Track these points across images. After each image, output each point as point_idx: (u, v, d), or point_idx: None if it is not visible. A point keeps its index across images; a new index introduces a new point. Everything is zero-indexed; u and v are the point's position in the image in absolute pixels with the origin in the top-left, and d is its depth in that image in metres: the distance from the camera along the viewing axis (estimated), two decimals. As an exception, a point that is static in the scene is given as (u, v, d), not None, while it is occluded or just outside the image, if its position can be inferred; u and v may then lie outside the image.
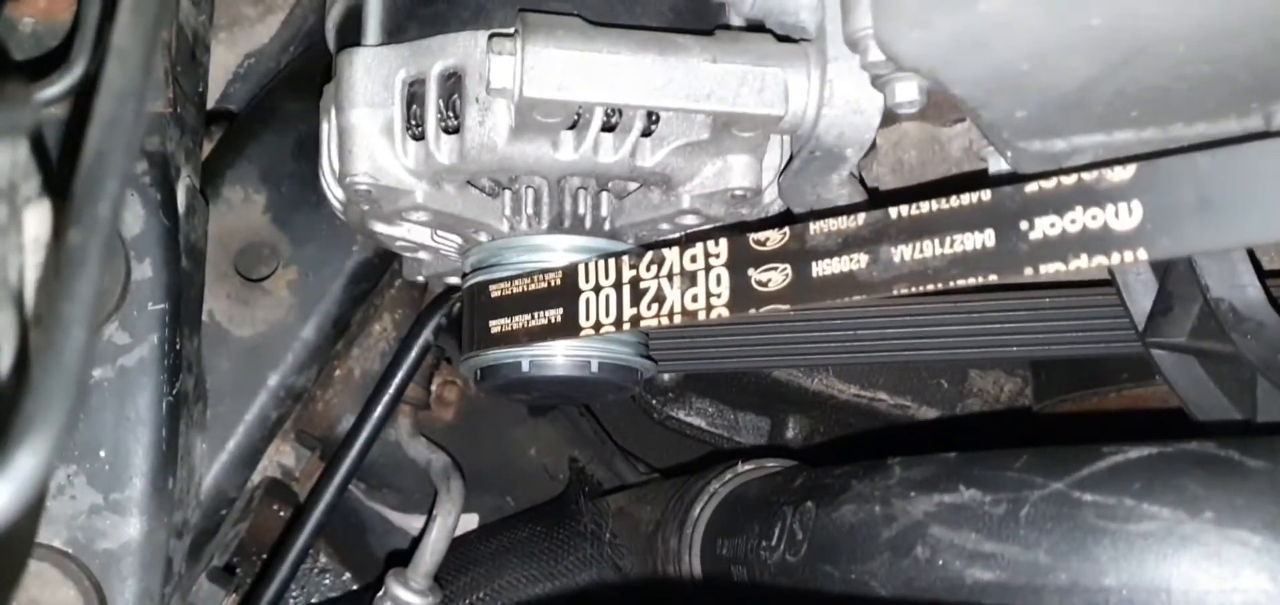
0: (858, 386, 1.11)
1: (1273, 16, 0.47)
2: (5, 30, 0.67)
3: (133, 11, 0.34)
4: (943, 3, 0.48)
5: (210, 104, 1.06)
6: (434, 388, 1.05)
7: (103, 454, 0.67)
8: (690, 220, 0.73)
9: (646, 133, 0.68)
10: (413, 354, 0.95)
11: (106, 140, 0.30)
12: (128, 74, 0.32)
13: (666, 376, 1.16)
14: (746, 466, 0.91)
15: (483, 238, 0.76)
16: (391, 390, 0.95)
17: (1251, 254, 0.64)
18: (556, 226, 0.73)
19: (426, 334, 0.95)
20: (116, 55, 0.32)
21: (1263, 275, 0.64)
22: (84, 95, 0.49)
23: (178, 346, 0.70)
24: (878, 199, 0.70)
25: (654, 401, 1.18)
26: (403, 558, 0.96)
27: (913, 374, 1.09)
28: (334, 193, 0.76)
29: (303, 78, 0.98)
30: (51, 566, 0.64)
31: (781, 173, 0.72)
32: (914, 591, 0.57)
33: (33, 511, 0.43)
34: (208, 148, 0.99)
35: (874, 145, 0.78)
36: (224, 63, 1.07)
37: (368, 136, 0.69)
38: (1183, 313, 0.67)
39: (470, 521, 1.09)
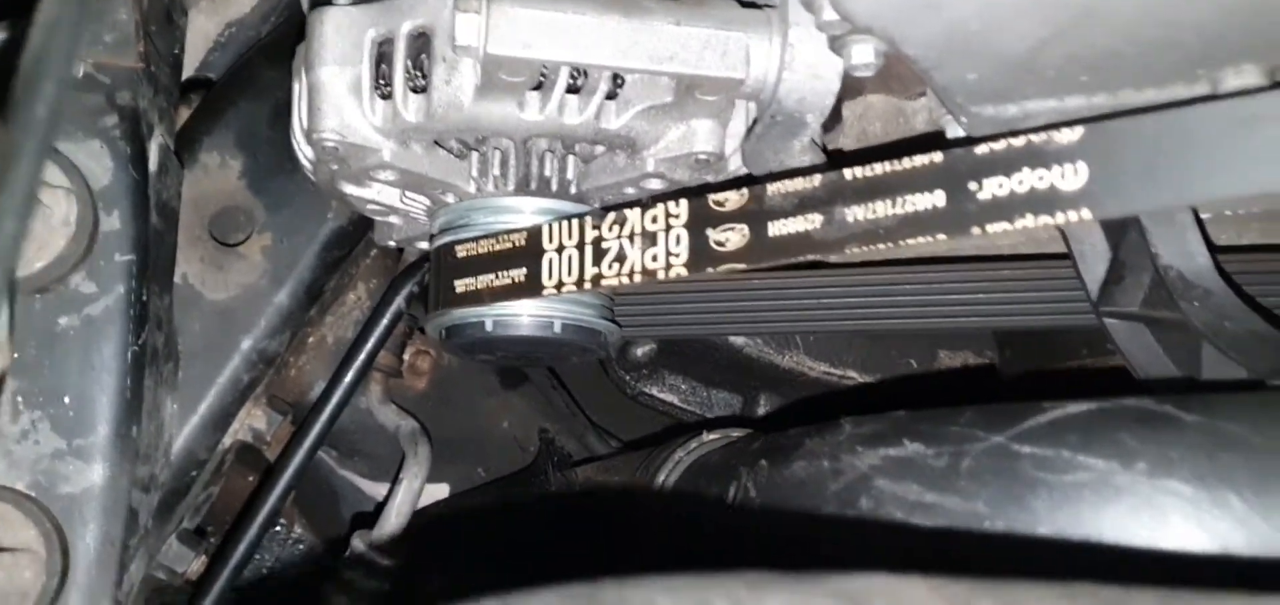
0: (828, 364, 1.12)
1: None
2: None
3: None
4: (891, -41, 0.49)
5: (191, 72, 1.07)
6: (407, 356, 1.06)
7: (67, 400, 0.67)
8: (655, 184, 0.74)
9: (611, 95, 0.69)
10: (384, 321, 0.96)
11: (45, 42, 0.31)
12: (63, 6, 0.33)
13: (640, 352, 1.17)
14: (712, 436, 0.92)
15: (450, 199, 0.77)
16: (362, 356, 0.96)
17: (1201, 223, 0.66)
18: (523, 188, 0.74)
19: (399, 301, 0.96)
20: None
21: (1211, 244, 0.65)
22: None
23: (144, 298, 0.71)
24: (836, 161, 0.71)
25: (628, 377, 1.19)
26: (371, 521, 0.96)
27: (882, 353, 1.10)
28: (303, 151, 0.77)
29: (281, 46, 0.98)
30: (13, 508, 0.65)
31: (745, 139, 0.73)
32: (857, 540, 0.58)
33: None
34: (186, 114, 1.00)
35: (840, 117, 0.79)
36: (205, 31, 1.08)
37: (336, 94, 0.70)
38: (1135, 282, 0.69)
39: (440, 490, 1.10)
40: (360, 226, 0.99)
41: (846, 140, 0.78)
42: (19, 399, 0.67)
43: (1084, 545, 0.52)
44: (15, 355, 0.58)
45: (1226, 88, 0.56)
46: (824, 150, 0.73)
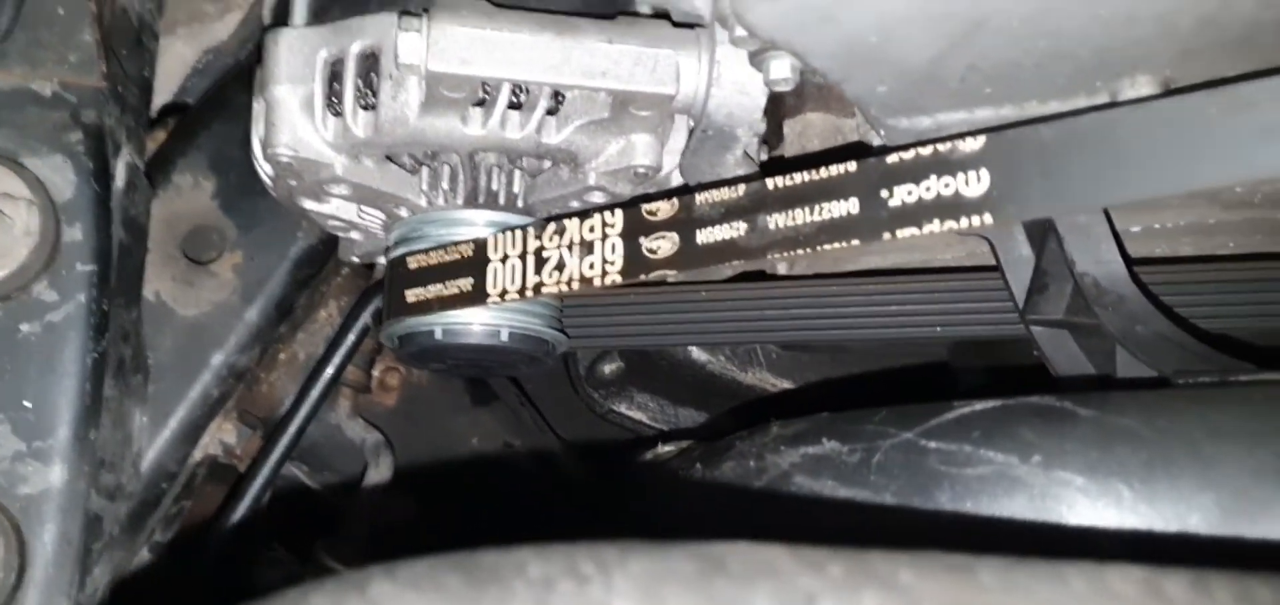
0: (790, 381, 1.14)
1: (1087, -10, 0.51)
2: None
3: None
4: (785, -27, 0.52)
5: (169, 97, 1.11)
6: (376, 372, 1.09)
7: (27, 404, 0.70)
8: (597, 197, 0.77)
9: (552, 111, 0.72)
10: (351, 336, 0.99)
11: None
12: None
13: (608, 369, 1.19)
14: (665, 448, 0.94)
15: (403, 213, 0.80)
16: (330, 370, 0.98)
17: (1116, 233, 0.68)
18: (472, 201, 0.77)
19: (365, 317, 0.99)
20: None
21: (1125, 253, 0.68)
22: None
23: (105, 307, 0.74)
24: (763, 170, 0.73)
25: (596, 395, 1.22)
26: (333, 530, 0.99)
27: (843, 369, 1.13)
28: (262, 167, 0.80)
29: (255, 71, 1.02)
30: (-27, 507, 0.67)
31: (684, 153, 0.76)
32: (771, 532, 0.61)
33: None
34: (163, 136, 1.03)
35: (781, 134, 0.82)
36: (183, 57, 1.11)
37: (290, 111, 0.73)
38: (1058, 290, 0.71)
39: (407, 503, 1.12)
40: (330, 245, 1.02)
41: (788, 156, 0.81)
42: (-20, 402, 0.69)
43: (986, 534, 0.54)
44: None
45: (1124, 98, 0.59)
46: (760, 165, 0.75)
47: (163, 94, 1.09)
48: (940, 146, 0.59)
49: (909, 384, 1.05)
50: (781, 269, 0.82)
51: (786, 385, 1.13)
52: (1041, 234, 0.71)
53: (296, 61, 0.73)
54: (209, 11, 1.11)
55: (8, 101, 0.73)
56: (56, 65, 0.73)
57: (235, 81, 1.06)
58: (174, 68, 1.10)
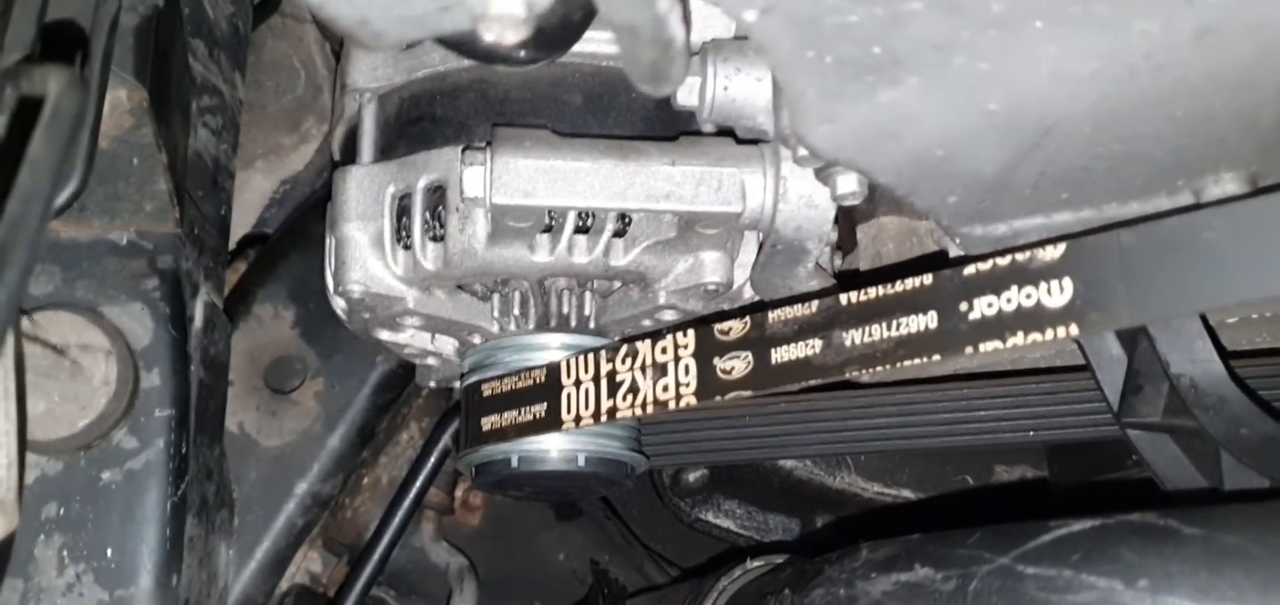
0: (881, 484, 1.10)
1: (1162, 96, 0.49)
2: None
3: (48, 123, 0.38)
4: (844, 97, 0.50)
5: (248, 229, 1.13)
6: (459, 493, 1.08)
7: (109, 553, 0.70)
8: (669, 315, 0.76)
9: (619, 233, 0.71)
10: (432, 459, 0.98)
11: (10, 234, 0.34)
12: (36, 180, 0.37)
13: (693, 477, 1.17)
14: (755, 564, 0.92)
15: (476, 340, 0.80)
16: (412, 494, 0.98)
17: (1211, 330, 0.65)
18: (543, 326, 0.77)
19: (445, 439, 0.98)
20: (29, 165, 0.37)
21: (1223, 350, 0.64)
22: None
23: (184, 450, 0.74)
24: (840, 284, 0.72)
25: (682, 504, 1.19)
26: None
27: (937, 471, 1.09)
28: (336, 302, 0.80)
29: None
30: (59, 660, 0.67)
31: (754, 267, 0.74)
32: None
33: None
34: (243, 268, 1.05)
35: (855, 240, 0.80)
36: (261, 190, 1.14)
37: (360, 248, 0.74)
38: (1154, 391, 0.67)
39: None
40: (410, 368, 1.02)
41: (862, 261, 0.79)
42: (64, 553, 0.70)
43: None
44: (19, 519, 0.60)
45: (1208, 197, 0.56)
46: (834, 275, 0.74)
47: (242, 226, 1.12)
48: (1019, 256, 0.56)
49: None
50: (864, 377, 0.80)
51: (878, 489, 1.10)
52: (1132, 333, 0.68)
53: (365, 198, 0.73)
54: (285, 144, 1.14)
55: (87, 253, 0.74)
56: (133, 215, 0.74)
57: (312, 211, 1.08)
58: (252, 200, 1.13)
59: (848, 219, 0.77)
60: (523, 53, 0.63)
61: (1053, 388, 0.79)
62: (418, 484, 0.98)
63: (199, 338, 0.80)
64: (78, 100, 0.42)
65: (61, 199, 0.58)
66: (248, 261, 1.06)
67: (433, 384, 0.93)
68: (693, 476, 1.18)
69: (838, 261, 0.79)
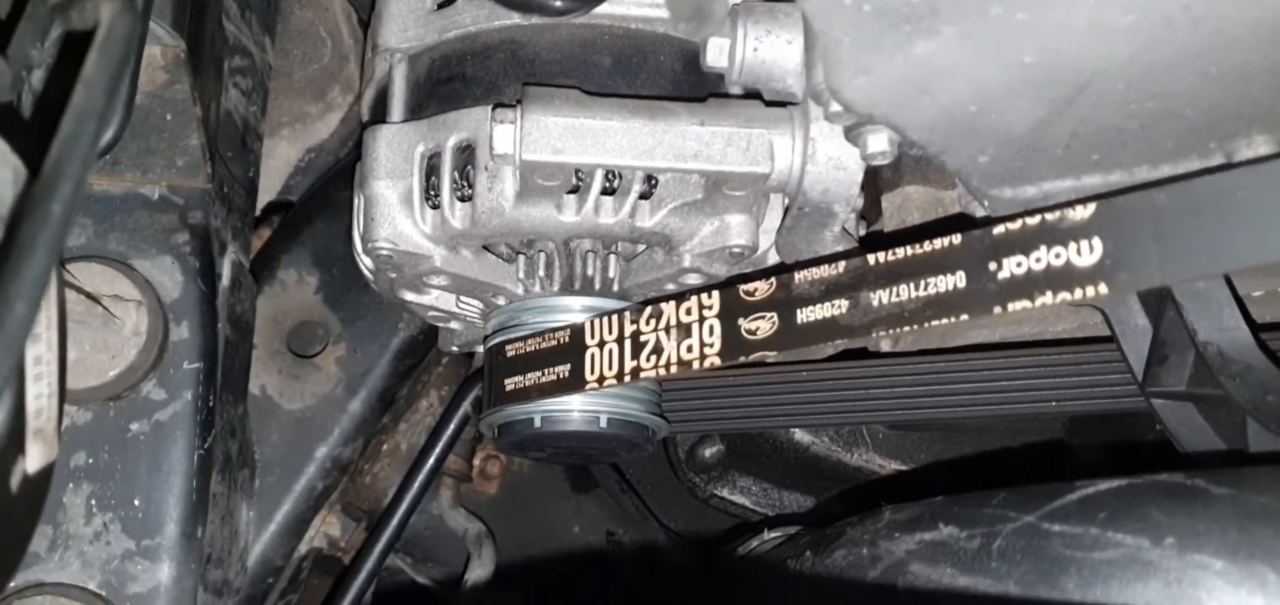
0: (899, 461, 1.11)
1: (1198, 50, 0.49)
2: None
3: (103, 45, 0.39)
4: (880, 47, 0.51)
5: (273, 196, 1.14)
6: (477, 462, 1.09)
7: (137, 503, 0.71)
8: (693, 278, 0.76)
9: (645, 195, 0.72)
10: (451, 426, 0.99)
11: (65, 151, 0.34)
12: (91, 100, 0.37)
13: (709, 453, 1.17)
14: (772, 534, 0.92)
15: (501, 301, 0.80)
16: (431, 461, 0.98)
17: (1238, 297, 0.65)
18: (567, 288, 0.77)
19: (465, 406, 0.99)
20: (83, 84, 0.37)
21: (1250, 318, 0.64)
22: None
23: (211, 404, 0.75)
24: (865, 246, 0.72)
25: (698, 480, 1.20)
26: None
27: (954, 448, 1.09)
28: (363, 261, 0.81)
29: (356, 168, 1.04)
30: (85, 607, 0.68)
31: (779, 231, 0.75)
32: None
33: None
34: (268, 234, 1.06)
35: (879, 209, 0.80)
36: (286, 157, 1.14)
37: (389, 205, 0.74)
38: (1179, 360, 0.67)
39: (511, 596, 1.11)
40: (430, 336, 1.03)
41: (887, 230, 0.79)
42: (92, 502, 0.71)
43: (1113, 621, 0.51)
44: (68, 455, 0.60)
45: (1240, 159, 0.56)
46: (858, 240, 0.74)
47: (267, 192, 1.12)
48: (1048, 215, 0.56)
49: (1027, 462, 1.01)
50: (885, 346, 0.80)
51: (896, 466, 1.10)
52: (1158, 302, 0.68)
53: (395, 157, 0.74)
54: (311, 112, 1.14)
55: (120, 205, 0.75)
56: (165, 170, 0.75)
57: (337, 179, 1.08)
58: (278, 167, 1.13)
59: (873, 188, 0.77)
60: (560, 2, 0.63)
61: (1075, 358, 0.79)
62: (437, 451, 0.98)
63: (226, 295, 0.81)
64: (130, 24, 0.42)
65: (104, 140, 0.58)
66: (272, 228, 1.07)
67: (455, 348, 0.94)
68: (709, 452, 1.18)
69: (862, 232, 0.79)
